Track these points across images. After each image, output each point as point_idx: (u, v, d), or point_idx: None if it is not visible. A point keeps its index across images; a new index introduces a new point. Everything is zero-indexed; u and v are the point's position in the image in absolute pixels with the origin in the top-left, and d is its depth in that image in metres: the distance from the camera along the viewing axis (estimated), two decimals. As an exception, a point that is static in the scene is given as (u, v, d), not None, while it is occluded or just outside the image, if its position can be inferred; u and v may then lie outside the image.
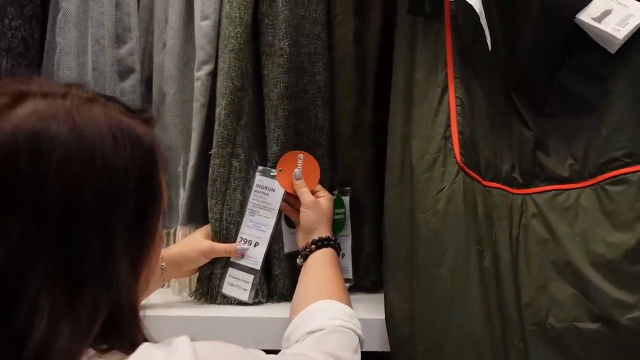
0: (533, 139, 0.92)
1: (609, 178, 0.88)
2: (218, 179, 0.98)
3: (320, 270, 0.90)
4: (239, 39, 1.00)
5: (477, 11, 0.87)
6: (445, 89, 0.87)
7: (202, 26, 1.05)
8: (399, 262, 0.86)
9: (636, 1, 0.91)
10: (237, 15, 1.01)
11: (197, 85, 1.04)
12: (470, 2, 0.86)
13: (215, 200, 0.98)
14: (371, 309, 0.94)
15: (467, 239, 0.81)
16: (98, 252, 0.50)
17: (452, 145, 0.84)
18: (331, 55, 1.06)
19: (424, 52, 0.91)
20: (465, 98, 0.87)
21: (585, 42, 0.92)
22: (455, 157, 0.84)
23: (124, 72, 1.13)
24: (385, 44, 1.05)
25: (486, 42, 0.90)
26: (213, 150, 0.99)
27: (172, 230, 1.04)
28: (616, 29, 0.88)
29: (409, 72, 0.93)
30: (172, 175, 1.04)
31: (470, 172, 0.85)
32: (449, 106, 0.86)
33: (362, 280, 1.05)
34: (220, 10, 1.05)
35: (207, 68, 1.04)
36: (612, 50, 0.90)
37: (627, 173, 0.86)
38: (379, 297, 1.01)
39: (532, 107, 0.94)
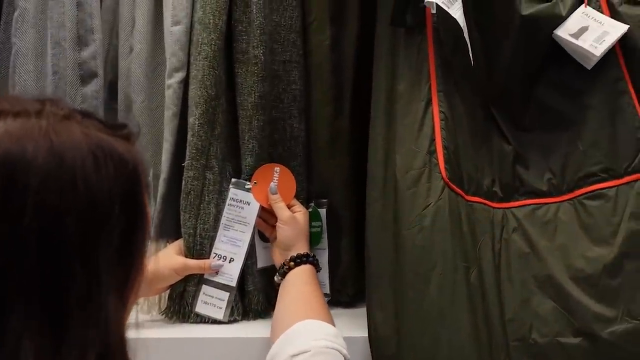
0: (513, 153, 0.93)
1: (586, 193, 0.89)
2: (192, 192, 0.94)
3: (300, 288, 0.87)
4: (213, 46, 0.96)
5: (461, 25, 0.86)
6: (429, 103, 0.86)
7: (174, 31, 1.00)
8: (383, 278, 0.84)
9: (610, 18, 0.92)
10: (210, 21, 0.97)
11: (169, 93, 0.99)
12: (454, 16, 0.85)
13: (189, 215, 0.94)
14: (350, 325, 0.92)
15: (453, 255, 0.80)
16: (84, 287, 0.46)
17: (437, 160, 0.83)
18: (307, 63, 1.04)
19: (406, 64, 0.89)
20: (448, 112, 0.86)
21: (562, 57, 0.93)
22: (440, 173, 0.83)
23: (85, 77, 1.06)
24: (362, 51, 1.03)
25: (465, 55, 0.90)
26: (186, 162, 0.95)
27: (141, 246, 0.98)
28: (593, 45, 0.90)
29: (390, 84, 0.91)
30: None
31: (455, 187, 0.85)
32: (433, 120, 0.85)
33: (339, 294, 1.03)
34: (192, 15, 1.00)
35: (179, 75, 0.99)
36: (589, 66, 0.92)
37: (604, 188, 0.88)
38: (358, 312, 0.99)
39: (510, 121, 0.94)
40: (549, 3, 0.92)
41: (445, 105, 0.86)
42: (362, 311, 1.01)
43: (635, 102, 0.89)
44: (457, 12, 0.86)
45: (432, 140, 0.84)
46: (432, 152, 0.84)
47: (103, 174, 0.47)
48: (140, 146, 1.01)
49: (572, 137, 0.91)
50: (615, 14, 0.92)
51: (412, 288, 0.79)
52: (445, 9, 0.85)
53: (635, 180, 0.87)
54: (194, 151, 0.95)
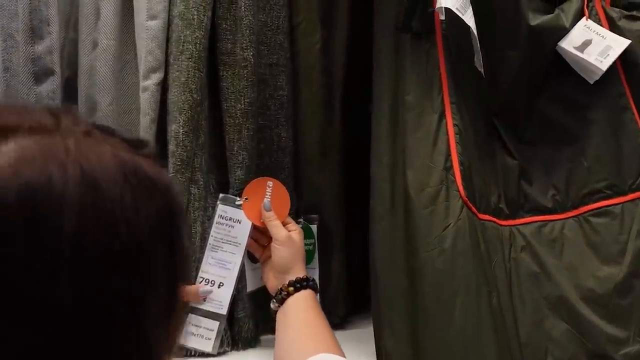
0: (517, 167, 0.89)
1: (592, 210, 0.87)
2: (176, 209, 0.83)
3: (304, 316, 0.79)
4: (197, 45, 0.86)
5: (475, 33, 0.81)
6: (442, 115, 0.81)
7: (150, 27, 0.88)
8: (395, 304, 0.78)
9: (611, 32, 0.91)
10: (194, 17, 0.87)
11: (145, 97, 0.87)
12: (468, 24, 0.81)
13: (174, 235, 0.83)
14: (351, 350, 0.85)
15: (476, 279, 0.76)
16: (133, 357, 0.36)
17: (454, 177, 0.78)
18: (294, 67, 0.96)
19: (414, 72, 0.83)
20: (462, 125, 0.82)
21: (563, 69, 0.91)
22: (458, 191, 0.78)
23: (40, 74, 0.93)
24: (352, 56, 0.97)
25: (470, 65, 0.86)
26: (170, 175, 0.84)
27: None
28: (599, 60, 0.88)
29: (394, 93, 0.85)
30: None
31: (471, 205, 0.80)
32: (447, 134, 0.80)
33: (330, 315, 0.95)
34: (170, 9, 0.90)
35: (157, 77, 0.88)
36: (591, 80, 0.90)
37: (610, 205, 0.86)
38: (351, 335, 0.93)
39: (513, 135, 0.91)
40: (553, 14, 0.90)
41: (459, 118, 0.82)
42: (353, 333, 0.96)
43: (637, 118, 0.89)
44: (470, 20, 0.82)
45: (448, 155, 0.79)
46: (448, 169, 0.79)
47: (143, 209, 0.37)
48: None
49: (575, 152, 0.89)
50: (615, 28, 0.91)
51: (434, 316, 0.74)
52: (460, 15, 0.80)
53: (640, 198, 0.86)
54: (179, 163, 0.84)
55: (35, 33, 0.92)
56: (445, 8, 0.81)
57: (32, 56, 0.92)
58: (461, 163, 0.80)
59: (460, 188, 0.78)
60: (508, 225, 0.87)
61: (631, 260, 0.83)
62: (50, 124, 0.37)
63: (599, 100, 0.90)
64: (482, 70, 0.84)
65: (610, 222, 0.86)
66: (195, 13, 0.87)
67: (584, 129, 0.90)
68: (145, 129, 0.87)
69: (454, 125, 0.81)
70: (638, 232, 0.84)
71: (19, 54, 0.89)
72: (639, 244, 0.84)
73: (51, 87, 0.93)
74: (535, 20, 0.87)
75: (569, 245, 0.86)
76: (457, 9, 0.80)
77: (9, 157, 0.33)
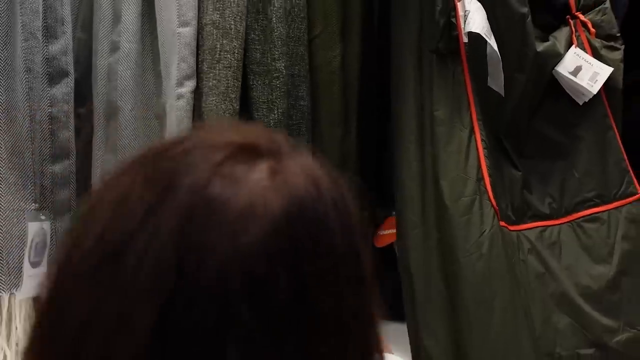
0: (521, 178, 0.99)
1: (583, 216, 0.99)
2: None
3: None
4: (236, 54, 0.87)
5: (499, 57, 0.90)
6: (472, 131, 0.88)
7: (182, 34, 0.88)
8: (433, 307, 0.84)
9: (596, 59, 1.03)
10: (232, 26, 0.87)
11: (181, 104, 0.87)
12: (493, 47, 0.89)
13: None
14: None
15: (510, 280, 0.84)
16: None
17: (486, 187, 0.86)
18: (313, 79, 0.99)
19: (441, 90, 0.90)
20: (488, 140, 0.89)
21: (555, 92, 1.02)
22: (490, 200, 0.86)
23: (55, 75, 0.89)
24: (365, 68, 1.02)
25: (485, 86, 0.94)
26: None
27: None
28: (590, 84, 1.00)
29: (420, 108, 0.91)
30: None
31: (499, 213, 0.88)
32: (477, 148, 0.88)
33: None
34: (199, 17, 0.89)
35: (191, 84, 0.88)
36: (581, 102, 1.02)
37: (598, 212, 0.99)
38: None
39: (516, 149, 1.00)
40: (550, 42, 1.00)
41: (485, 134, 0.89)
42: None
43: (618, 136, 1.02)
44: (494, 44, 0.90)
45: (479, 168, 0.87)
46: (479, 180, 0.86)
47: (357, 225, 0.40)
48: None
49: (567, 165, 1.01)
50: (598, 57, 1.04)
51: (475, 316, 0.81)
52: (487, 40, 0.88)
53: (623, 205, 0.99)
54: (221, 172, 0.84)
55: (49, 32, 0.88)
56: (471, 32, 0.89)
57: (47, 56, 0.88)
58: (490, 175, 0.88)
59: (492, 198, 0.86)
60: (515, 231, 0.96)
61: (619, 260, 0.96)
62: (269, 142, 0.36)
63: (586, 120, 1.02)
64: (502, 92, 0.92)
65: (599, 227, 0.98)
66: (232, 22, 0.87)
67: (574, 144, 1.01)
68: (181, 137, 0.86)
69: (482, 140, 0.89)
70: (622, 236, 0.97)
71: (40, 55, 0.85)
72: (624, 246, 0.96)
73: (66, 90, 0.90)
74: (539, 46, 0.97)
75: (566, 248, 0.97)
76: (484, 34, 0.88)
77: (276, 182, 0.34)
